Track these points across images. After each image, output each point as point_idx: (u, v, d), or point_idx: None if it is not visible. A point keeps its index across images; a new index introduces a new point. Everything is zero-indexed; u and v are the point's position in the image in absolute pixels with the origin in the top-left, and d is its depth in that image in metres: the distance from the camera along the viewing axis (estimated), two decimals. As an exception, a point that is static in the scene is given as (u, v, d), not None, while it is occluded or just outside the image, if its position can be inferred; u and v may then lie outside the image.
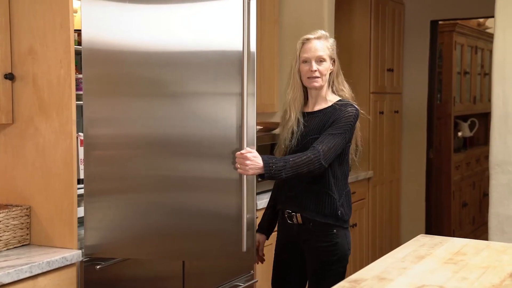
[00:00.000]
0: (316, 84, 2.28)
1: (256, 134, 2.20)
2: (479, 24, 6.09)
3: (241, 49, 2.10)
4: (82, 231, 2.17)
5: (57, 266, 2.02)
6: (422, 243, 2.27)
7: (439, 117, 5.47)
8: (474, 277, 1.83)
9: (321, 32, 2.32)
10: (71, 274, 2.09)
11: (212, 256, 2.28)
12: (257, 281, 3.04)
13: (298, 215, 2.32)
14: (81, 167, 2.32)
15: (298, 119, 2.31)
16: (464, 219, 5.94)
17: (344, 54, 4.43)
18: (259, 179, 2.20)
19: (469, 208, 6.04)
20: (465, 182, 5.97)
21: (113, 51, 2.17)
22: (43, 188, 2.18)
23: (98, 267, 2.16)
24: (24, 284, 1.92)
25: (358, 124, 2.32)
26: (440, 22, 4.98)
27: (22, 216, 2.17)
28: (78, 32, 2.27)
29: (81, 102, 2.18)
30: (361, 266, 4.31)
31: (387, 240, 4.76)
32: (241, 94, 2.11)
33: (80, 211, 2.22)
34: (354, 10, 4.43)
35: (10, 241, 2.13)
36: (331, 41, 2.33)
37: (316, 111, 2.31)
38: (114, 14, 2.16)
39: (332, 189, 2.27)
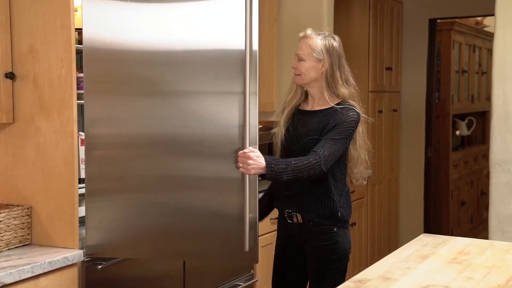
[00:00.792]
0: (297, 81, 2.31)
1: (256, 133, 2.20)
2: (477, 23, 6.10)
3: (243, 47, 2.09)
4: (83, 231, 2.16)
5: (58, 266, 2.01)
6: (425, 242, 2.27)
7: (437, 116, 5.47)
8: (479, 277, 1.83)
9: (307, 31, 2.31)
10: (73, 274, 2.08)
11: (213, 256, 2.27)
12: (257, 281, 3.03)
13: (298, 214, 2.31)
14: (82, 166, 2.30)
15: (292, 114, 2.32)
16: (462, 218, 5.96)
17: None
18: (259, 178, 2.19)
19: (467, 206, 6.06)
20: (463, 181, 5.98)
21: (114, 50, 2.15)
22: (44, 188, 2.17)
23: (99, 267, 2.15)
24: (26, 284, 1.91)
25: (362, 129, 2.30)
26: (438, 21, 4.98)
27: (23, 216, 2.16)
28: (79, 31, 2.26)
29: (82, 101, 2.17)
30: (360, 265, 4.35)
31: (386, 239, 4.77)
32: (243, 93, 2.10)
33: (81, 211, 2.21)
34: (352, 9, 4.42)
35: (11, 241, 2.12)
36: (319, 42, 2.26)
37: (316, 110, 2.31)
38: (115, 12, 2.14)
39: (332, 191, 2.27)
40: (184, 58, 2.15)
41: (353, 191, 4.15)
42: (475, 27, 6.06)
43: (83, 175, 2.23)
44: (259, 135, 2.17)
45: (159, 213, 2.19)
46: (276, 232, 2.52)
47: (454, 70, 5.69)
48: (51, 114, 2.14)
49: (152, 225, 2.19)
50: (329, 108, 2.27)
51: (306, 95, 2.38)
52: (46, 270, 1.97)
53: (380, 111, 4.60)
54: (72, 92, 2.11)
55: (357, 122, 2.25)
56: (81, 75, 2.23)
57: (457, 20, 5.45)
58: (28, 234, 2.19)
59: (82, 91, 2.19)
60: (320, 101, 2.31)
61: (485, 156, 6.28)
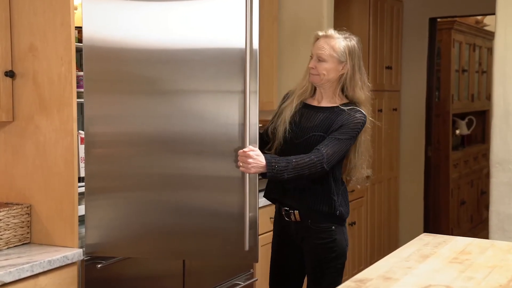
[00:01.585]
0: (313, 80, 2.29)
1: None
2: (477, 22, 6.09)
3: (243, 46, 2.08)
4: (83, 230, 2.15)
5: (58, 265, 2.01)
6: (425, 242, 2.26)
7: (437, 115, 5.47)
8: (481, 276, 1.82)
9: (330, 32, 2.28)
10: (72, 273, 2.07)
11: (213, 256, 2.26)
12: (257, 280, 3.03)
13: (296, 212, 2.31)
14: (82, 165, 2.29)
15: (298, 108, 2.30)
16: (462, 217, 5.96)
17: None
18: (260, 177, 2.19)
19: (467, 206, 6.05)
20: (463, 180, 5.98)
21: (114, 48, 2.15)
22: (43, 187, 2.16)
23: (99, 266, 2.14)
24: (25, 283, 1.91)
25: (365, 137, 2.30)
26: (438, 20, 4.97)
27: (23, 215, 2.15)
28: (79, 29, 2.25)
29: (82, 100, 2.16)
30: (360, 264, 4.34)
31: (386, 238, 4.76)
32: (244, 92, 2.09)
33: (81, 210, 2.20)
34: (352, 7, 4.41)
35: (11, 240, 2.11)
36: (342, 44, 2.24)
37: (323, 107, 2.29)
38: (115, 11, 2.13)
39: (332, 190, 2.26)
40: (184, 57, 2.15)
41: (352, 190, 4.16)
42: (475, 26, 6.05)
43: (82, 174, 2.23)
44: (259, 134, 2.17)
45: (159, 212, 2.18)
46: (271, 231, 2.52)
47: (454, 69, 5.69)
48: (50, 113, 2.13)
49: (152, 224, 2.18)
50: (336, 106, 2.26)
51: (314, 90, 2.36)
52: (45, 269, 1.96)
53: (380, 110, 4.59)
54: (71, 91, 2.10)
55: (363, 124, 2.24)
56: (81, 73, 2.22)
57: (457, 19, 5.44)
58: (28, 233, 2.18)
59: (82, 90, 2.18)
60: (327, 98, 2.31)
61: (485, 155, 6.29)
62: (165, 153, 2.17)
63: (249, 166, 2.05)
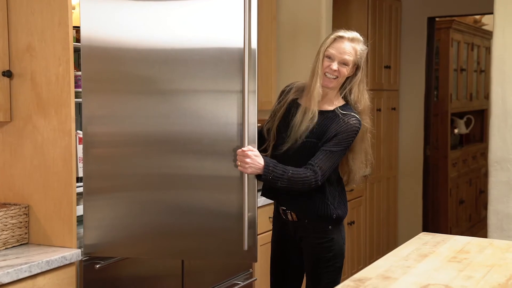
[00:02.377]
0: (330, 84, 2.22)
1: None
2: (475, 21, 6.10)
3: (242, 46, 2.08)
4: (81, 230, 2.15)
5: (56, 266, 2.00)
6: (424, 241, 2.26)
7: (436, 114, 5.47)
8: (480, 275, 1.82)
9: (355, 34, 2.23)
10: (71, 274, 2.07)
11: (212, 255, 2.26)
12: (256, 279, 3.02)
13: (293, 213, 2.32)
14: (80, 165, 2.29)
15: (289, 104, 2.27)
16: (461, 216, 5.96)
17: (342, 51, 4.42)
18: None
19: (465, 205, 6.06)
20: (462, 179, 5.98)
21: (113, 48, 2.14)
22: (41, 187, 2.16)
23: (97, 266, 2.14)
24: (23, 283, 1.90)
25: (362, 137, 2.27)
26: (437, 19, 4.97)
27: (21, 215, 2.15)
28: (77, 29, 2.24)
29: (80, 100, 2.15)
30: (359, 263, 4.34)
31: (385, 237, 4.76)
32: (242, 92, 2.09)
33: (79, 210, 2.20)
34: (351, 7, 4.41)
35: (9, 240, 2.11)
36: (362, 48, 2.22)
37: (319, 111, 2.24)
38: (113, 10, 2.13)
39: (327, 196, 2.26)
40: (183, 56, 2.14)
41: (351, 190, 4.16)
42: (473, 25, 6.06)
43: (81, 174, 2.22)
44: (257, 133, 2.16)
45: (157, 212, 2.18)
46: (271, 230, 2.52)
47: (453, 69, 5.69)
48: (48, 113, 2.13)
49: (150, 224, 2.18)
50: (331, 111, 2.22)
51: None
52: (43, 270, 1.96)
53: (379, 110, 4.59)
54: (69, 90, 2.10)
55: (357, 131, 2.21)
56: (79, 73, 2.21)
57: (455, 18, 5.44)
58: (26, 233, 2.17)
59: (79, 90, 2.17)
60: (326, 101, 2.26)
61: (484, 154, 6.29)
62: (164, 153, 2.16)
63: (246, 166, 2.05)
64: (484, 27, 6.22)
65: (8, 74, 2.16)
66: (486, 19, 6.09)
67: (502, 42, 2.97)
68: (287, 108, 2.32)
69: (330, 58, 2.21)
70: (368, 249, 4.50)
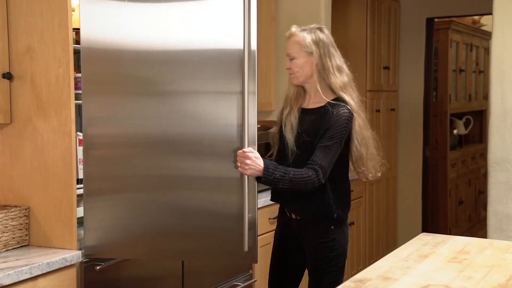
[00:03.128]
0: (293, 81, 2.29)
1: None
2: (474, 22, 6.11)
3: (241, 47, 2.08)
4: (82, 231, 2.15)
5: (57, 267, 2.00)
6: (424, 241, 2.26)
7: (435, 115, 5.47)
8: (480, 276, 1.82)
9: (292, 29, 2.29)
10: (71, 275, 2.07)
11: (212, 256, 2.26)
12: (256, 281, 3.02)
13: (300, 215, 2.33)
14: (80, 167, 2.29)
15: (296, 114, 2.29)
16: (460, 217, 5.96)
17: (340, 52, 4.40)
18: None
19: (465, 205, 6.06)
20: (461, 180, 5.99)
21: (112, 50, 2.14)
22: (42, 188, 2.16)
23: (97, 267, 2.14)
24: (24, 285, 1.90)
25: (359, 123, 2.26)
26: (435, 20, 4.98)
27: (21, 217, 2.15)
28: (77, 30, 2.24)
29: (80, 102, 2.16)
30: (359, 264, 4.34)
31: (384, 238, 4.77)
32: (242, 93, 2.09)
33: (80, 211, 2.20)
34: (350, 8, 4.42)
35: (9, 242, 2.11)
36: (307, 36, 2.23)
37: (311, 109, 2.28)
38: (113, 12, 2.13)
39: (328, 194, 2.26)
40: (183, 58, 2.14)
41: (352, 190, 4.15)
42: (472, 26, 6.06)
43: (81, 176, 2.22)
44: (257, 135, 2.17)
45: (158, 213, 2.18)
46: (274, 229, 2.53)
47: (452, 69, 5.70)
48: (48, 114, 2.13)
49: (151, 225, 2.18)
50: (322, 107, 2.24)
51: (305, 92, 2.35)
52: (44, 271, 1.96)
53: (378, 110, 4.59)
54: (69, 92, 2.10)
55: (349, 120, 2.19)
56: (79, 75, 2.22)
57: (454, 19, 5.45)
58: (26, 235, 2.17)
59: (79, 91, 2.18)
60: (315, 97, 2.29)
61: (483, 155, 6.29)
62: (164, 154, 2.17)
63: (246, 167, 2.06)
64: (483, 28, 6.23)
65: (8, 76, 2.16)
66: (485, 19, 6.09)
67: (501, 42, 2.97)
68: (283, 111, 2.38)
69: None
70: (368, 249, 4.51)
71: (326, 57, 2.24)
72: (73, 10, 2.20)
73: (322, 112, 2.23)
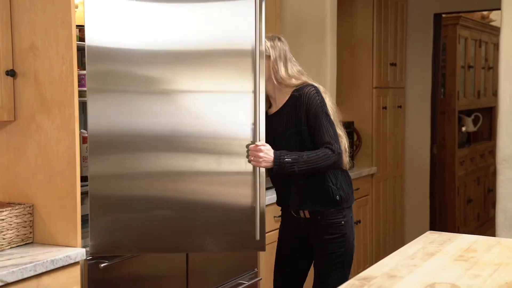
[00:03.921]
0: None
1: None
2: (483, 17, 6.05)
3: (252, 47, 2.14)
4: (86, 229, 2.14)
5: (61, 265, 1.99)
6: (431, 240, 2.24)
7: (443, 112, 5.43)
8: (487, 274, 1.80)
9: None
10: (75, 273, 2.06)
11: (221, 247, 2.29)
12: (261, 279, 3.01)
13: (306, 210, 2.34)
14: (84, 164, 2.28)
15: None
16: (469, 215, 5.91)
17: (347, 49, 4.40)
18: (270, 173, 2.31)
19: (473, 204, 6.01)
20: (470, 178, 5.94)
21: (119, 48, 2.15)
22: (45, 186, 2.15)
23: (102, 265, 2.13)
24: (28, 283, 1.90)
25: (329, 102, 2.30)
26: (443, 15, 4.94)
27: (25, 214, 2.14)
28: (80, 27, 2.24)
29: (84, 99, 2.15)
30: (365, 263, 4.32)
31: (391, 237, 4.74)
32: (254, 92, 2.15)
33: (84, 209, 2.19)
34: (356, 4, 4.39)
35: (14, 240, 2.10)
36: (265, 41, 2.31)
37: (281, 107, 2.34)
38: (118, 10, 2.13)
39: (326, 177, 2.28)
40: (191, 58, 2.19)
41: (357, 189, 4.14)
42: (481, 21, 6.01)
43: (85, 173, 2.21)
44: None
45: (164, 208, 2.20)
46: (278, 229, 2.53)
47: (460, 65, 5.65)
48: (52, 112, 2.12)
49: (157, 220, 2.20)
50: (289, 98, 2.30)
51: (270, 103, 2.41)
52: (48, 269, 1.95)
53: (385, 108, 4.56)
54: (73, 90, 2.09)
55: (318, 92, 2.27)
56: (83, 72, 2.21)
57: (462, 14, 5.40)
58: (31, 232, 2.17)
59: (83, 89, 2.17)
60: (279, 99, 2.35)
61: (492, 152, 6.23)
62: (170, 152, 2.19)
63: (260, 160, 2.13)
64: (492, 23, 6.17)
65: (11, 73, 2.15)
66: (494, 15, 6.04)
67: (510, 37, 2.94)
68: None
69: None
70: (375, 248, 4.48)
71: (280, 59, 2.32)
72: (77, 7, 2.19)
73: (291, 101, 2.29)
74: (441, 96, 5.33)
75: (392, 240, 4.71)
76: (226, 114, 2.20)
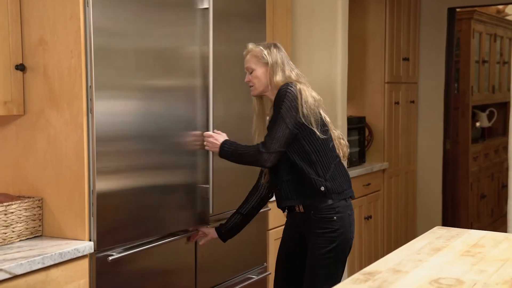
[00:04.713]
0: (253, 93, 2.42)
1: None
2: (498, 11, 5.97)
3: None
4: (94, 223, 2.16)
5: (69, 258, 2.01)
6: (438, 235, 2.22)
7: (457, 107, 5.38)
8: (493, 269, 1.78)
9: (248, 46, 2.42)
10: (83, 266, 2.08)
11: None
12: (270, 274, 3.01)
13: (300, 205, 2.34)
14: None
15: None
16: (483, 211, 5.86)
17: (358, 44, 4.37)
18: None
19: (487, 200, 5.95)
20: (483, 174, 5.88)
21: (127, 44, 2.18)
22: (54, 180, 2.17)
23: (110, 258, 2.15)
24: (36, 275, 1.92)
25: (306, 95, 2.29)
26: (457, 10, 4.88)
27: (34, 208, 2.17)
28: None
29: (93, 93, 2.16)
30: (376, 259, 4.26)
31: (403, 233, 4.71)
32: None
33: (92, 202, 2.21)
34: (368, -2, 4.36)
35: (23, 233, 2.13)
36: (262, 48, 2.37)
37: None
38: (123, 7, 2.15)
39: (307, 170, 2.28)
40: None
41: (368, 184, 4.12)
42: (496, 15, 5.93)
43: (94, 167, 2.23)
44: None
45: (151, 194, 2.33)
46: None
47: (474, 60, 5.58)
48: (61, 106, 2.14)
49: (148, 204, 2.31)
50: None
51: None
52: (56, 262, 1.97)
53: (397, 103, 4.53)
54: (81, 84, 2.10)
55: (290, 93, 2.25)
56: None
57: (477, 8, 5.34)
58: (40, 225, 2.19)
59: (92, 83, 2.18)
60: (270, 101, 2.41)
61: (506, 148, 6.16)
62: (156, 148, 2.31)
63: (210, 145, 2.43)
64: (507, 18, 6.09)
65: (21, 67, 2.17)
66: (509, 9, 5.96)
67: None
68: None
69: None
70: (386, 244, 4.46)
71: (277, 66, 2.35)
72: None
73: (274, 102, 2.34)
74: (455, 91, 5.28)
75: (404, 236, 4.68)
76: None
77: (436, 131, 4.84)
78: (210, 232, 2.53)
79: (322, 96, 2.40)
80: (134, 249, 2.25)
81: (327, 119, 2.37)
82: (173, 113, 2.40)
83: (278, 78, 2.32)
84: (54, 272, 1.98)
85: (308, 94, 2.29)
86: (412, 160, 4.84)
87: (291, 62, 2.41)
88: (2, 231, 2.05)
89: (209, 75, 2.49)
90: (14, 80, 2.17)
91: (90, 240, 2.12)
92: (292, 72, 2.35)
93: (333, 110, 3.50)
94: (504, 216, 6.14)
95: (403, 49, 4.57)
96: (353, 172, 3.81)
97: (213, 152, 2.47)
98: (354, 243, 2.59)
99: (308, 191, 2.30)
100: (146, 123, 2.28)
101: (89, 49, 2.07)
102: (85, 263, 2.09)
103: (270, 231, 3.08)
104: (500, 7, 5.92)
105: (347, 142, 2.46)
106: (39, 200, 2.19)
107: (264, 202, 2.56)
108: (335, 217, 2.28)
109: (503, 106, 6.42)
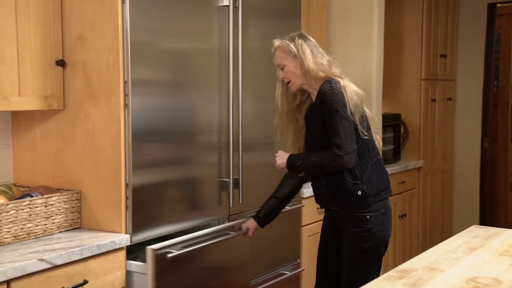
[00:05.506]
0: (292, 89, 2.34)
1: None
2: (540, 7, 5.80)
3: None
4: (130, 216, 2.19)
5: (106, 250, 2.06)
6: (475, 234, 2.18)
7: (496, 105, 5.26)
8: (532, 270, 1.74)
9: (274, 44, 2.36)
10: (120, 258, 2.12)
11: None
12: (303, 270, 3.01)
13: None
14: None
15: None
16: (522, 211, 5.72)
17: (395, 40, 4.32)
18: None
19: (527, 199, 5.80)
20: (523, 173, 5.73)
21: (161, 40, 2.21)
22: (92, 173, 2.22)
23: (169, 255, 2.16)
24: (75, 266, 1.97)
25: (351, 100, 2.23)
26: (498, 5, 4.76)
27: (73, 200, 2.22)
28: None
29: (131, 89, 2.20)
30: (411, 256, 4.22)
31: (438, 232, 4.64)
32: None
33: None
34: (405, -7, 4.30)
35: (62, 224, 2.19)
36: (287, 42, 2.31)
37: (314, 101, 2.32)
38: (160, 5, 2.17)
39: (345, 173, 2.23)
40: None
41: (403, 182, 4.07)
42: (538, 11, 5.76)
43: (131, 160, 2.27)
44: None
45: (181, 186, 2.36)
46: (322, 221, 2.52)
47: (515, 57, 5.45)
48: (99, 101, 2.18)
49: (176, 195, 2.35)
50: (316, 96, 2.27)
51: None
52: (94, 253, 2.01)
53: (434, 100, 4.46)
54: (119, 79, 2.14)
55: (335, 89, 2.19)
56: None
57: (518, 4, 5.20)
58: (78, 218, 2.25)
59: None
60: (312, 93, 2.33)
61: (548, 147, 5.99)
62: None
63: (277, 159, 2.35)
64: (550, 13, 5.91)
65: (61, 63, 2.23)
66: (552, 4, 5.78)
67: None
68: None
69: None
70: (421, 243, 4.40)
71: (304, 55, 2.28)
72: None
73: (317, 101, 2.26)
74: (494, 89, 5.16)
75: (439, 235, 4.61)
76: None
77: (474, 129, 4.74)
78: (249, 223, 2.52)
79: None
80: (190, 247, 2.27)
81: (369, 113, 2.33)
82: (204, 109, 2.42)
83: (311, 66, 2.26)
84: (91, 263, 2.02)
85: (352, 90, 2.24)
86: (449, 158, 4.75)
87: (321, 49, 2.34)
88: (43, 222, 2.11)
89: (238, 72, 2.52)
90: (54, 75, 2.22)
91: (126, 233, 2.16)
92: (324, 59, 2.29)
93: (368, 107, 3.44)
94: (544, 217, 5.97)
95: (440, 46, 4.49)
96: (387, 170, 3.74)
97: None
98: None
99: (342, 194, 2.26)
100: (178, 119, 2.31)
101: (126, 45, 2.11)
102: (121, 255, 2.13)
103: (304, 228, 3.08)
104: (543, 2, 5.75)
105: (380, 140, 2.43)
106: (77, 193, 2.24)
107: (299, 187, 2.53)
108: (368, 216, 2.25)
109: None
